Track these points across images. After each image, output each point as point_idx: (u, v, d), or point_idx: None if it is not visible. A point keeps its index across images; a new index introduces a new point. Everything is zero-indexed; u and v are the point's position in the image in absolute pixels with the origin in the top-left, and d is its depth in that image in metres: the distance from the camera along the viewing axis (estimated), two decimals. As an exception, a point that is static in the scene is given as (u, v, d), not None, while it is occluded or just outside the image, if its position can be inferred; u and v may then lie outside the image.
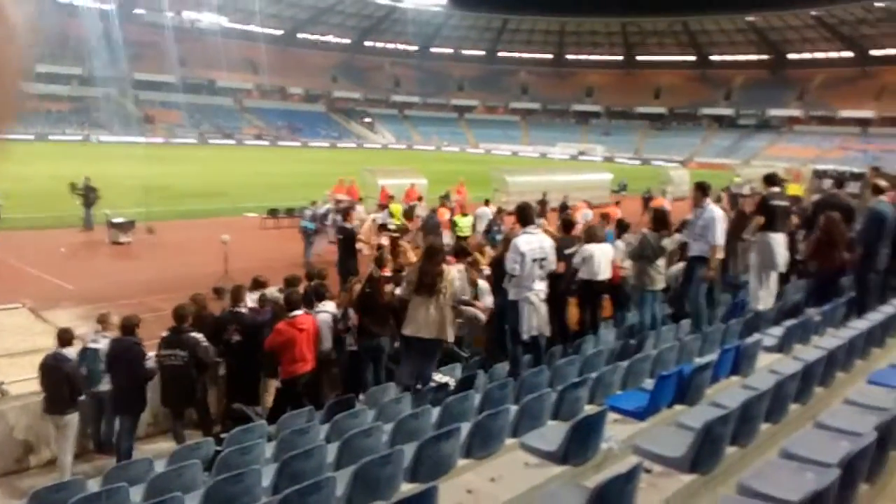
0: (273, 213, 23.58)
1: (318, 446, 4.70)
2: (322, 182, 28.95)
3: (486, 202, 20.64)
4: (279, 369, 7.44)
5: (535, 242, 6.75)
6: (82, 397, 7.18)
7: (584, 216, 18.69)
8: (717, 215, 7.69)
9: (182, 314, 7.35)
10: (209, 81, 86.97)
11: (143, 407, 7.27)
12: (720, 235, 7.59)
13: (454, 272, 7.09)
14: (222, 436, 6.06)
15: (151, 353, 7.30)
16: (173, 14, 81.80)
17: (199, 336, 7.29)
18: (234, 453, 4.98)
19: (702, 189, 8.07)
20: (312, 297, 8.25)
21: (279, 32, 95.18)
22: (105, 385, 7.42)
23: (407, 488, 4.03)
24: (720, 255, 7.78)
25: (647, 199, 27.48)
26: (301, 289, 8.72)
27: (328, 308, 8.17)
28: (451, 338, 6.87)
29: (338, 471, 4.35)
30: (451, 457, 4.29)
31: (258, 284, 9.42)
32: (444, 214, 19.47)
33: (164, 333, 7.43)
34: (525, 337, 6.74)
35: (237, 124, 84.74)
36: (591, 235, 8.88)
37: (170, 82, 79.86)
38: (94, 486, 4.85)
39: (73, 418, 7.00)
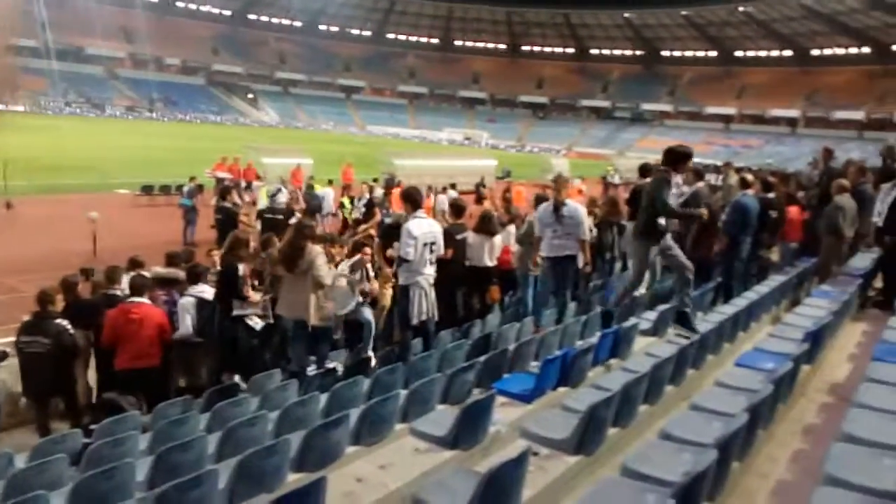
0: (147, 189, 22.35)
1: (198, 437, 4.47)
2: (201, 158, 27.69)
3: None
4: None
5: (426, 226, 6.75)
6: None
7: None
8: (583, 211, 7.63)
9: (46, 298, 6.78)
10: (77, 48, 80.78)
11: None
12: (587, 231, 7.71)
13: (317, 250, 6.96)
14: (92, 427, 5.66)
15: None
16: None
17: (64, 322, 6.75)
18: (104, 446, 4.65)
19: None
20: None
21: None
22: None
23: (293, 479, 3.91)
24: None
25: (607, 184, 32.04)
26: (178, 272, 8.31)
27: (197, 291, 7.61)
28: (312, 320, 6.79)
29: (219, 463, 4.16)
30: (339, 445, 4.21)
31: (135, 265, 8.85)
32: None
33: (25, 318, 6.85)
34: (415, 321, 6.74)
35: (108, 94, 79.52)
36: (483, 223, 8.99)
37: (33, 46, 73.57)
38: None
39: None
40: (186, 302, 7.42)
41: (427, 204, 18.71)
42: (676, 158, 6.41)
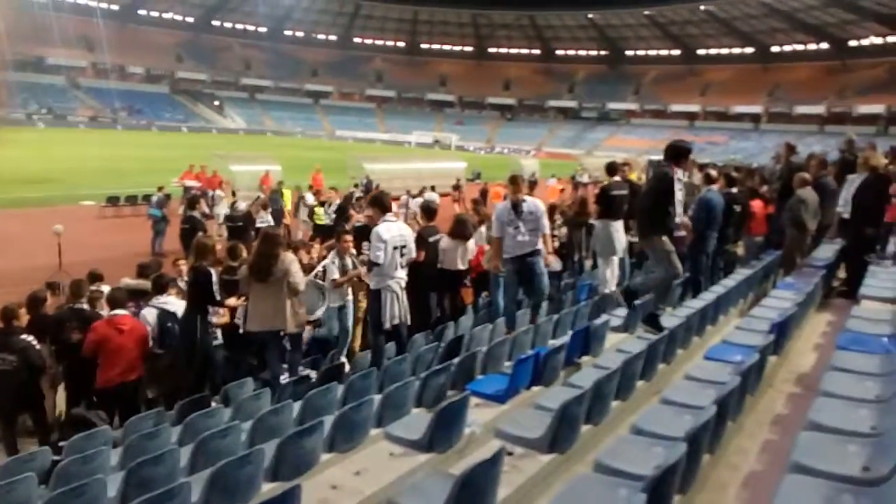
0: (113, 201, 22.00)
1: (170, 450, 4.40)
2: (167, 168, 27.34)
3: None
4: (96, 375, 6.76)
5: (395, 230, 6.75)
6: None
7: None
8: (542, 205, 7.58)
9: (9, 314, 6.65)
10: (37, 58, 79.23)
11: None
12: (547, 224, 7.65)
13: (291, 257, 6.92)
14: (61, 444, 5.56)
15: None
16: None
17: (29, 338, 6.63)
18: (74, 462, 4.57)
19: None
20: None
21: (115, 7, 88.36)
22: None
23: (268, 488, 3.88)
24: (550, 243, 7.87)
25: (576, 184, 32.36)
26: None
27: (160, 302, 7.46)
28: (289, 327, 6.74)
29: (192, 475, 4.11)
30: (313, 452, 4.18)
31: (95, 278, 8.70)
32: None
33: None
34: (387, 325, 6.73)
35: (70, 105, 78.03)
36: (458, 228, 8.99)
37: (-10, 57, 72.04)
38: None
39: None
40: (147, 313, 7.30)
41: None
42: (678, 154, 6.45)
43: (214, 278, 7.30)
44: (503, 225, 7.09)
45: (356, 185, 22.44)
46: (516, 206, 7.05)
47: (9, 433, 6.76)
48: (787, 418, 4.44)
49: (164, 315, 7.28)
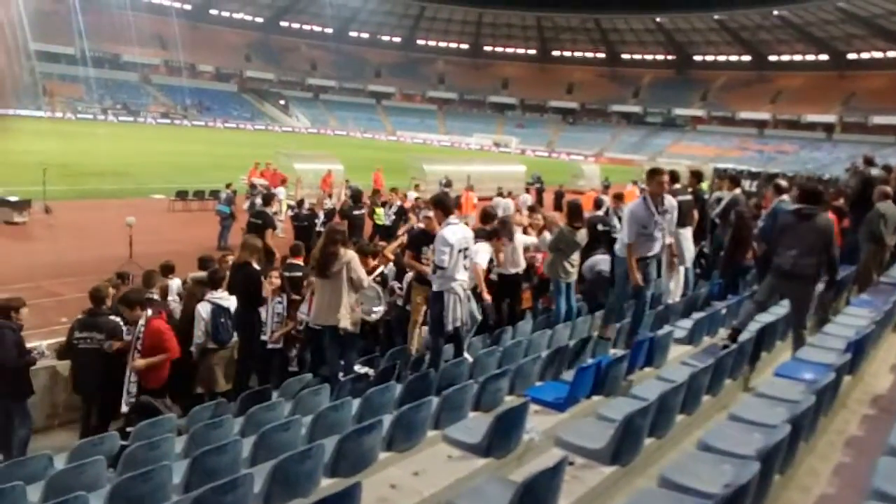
0: (182, 195, 22.68)
1: (233, 441, 4.50)
2: (234, 164, 28.08)
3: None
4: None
5: (460, 233, 6.74)
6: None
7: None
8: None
9: (100, 296, 6.97)
10: (113, 55, 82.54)
11: (26, 393, 6.70)
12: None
13: (351, 254, 6.99)
14: (129, 430, 5.75)
15: (42, 342, 6.83)
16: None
17: (117, 319, 6.92)
18: (141, 448, 4.71)
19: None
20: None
21: (188, 7, 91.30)
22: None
23: (327, 484, 3.92)
24: None
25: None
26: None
27: (215, 297, 7.53)
28: (343, 323, 6.81)
29: (254, 467, 4.19)
30: (372, 451, 4.21)
31: (167, 270, 9.00)
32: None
33: (80, 315, 7.05)
34: (449, 328, 6.72)
35: (143, 101, 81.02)
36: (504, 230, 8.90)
37: (70, 54, 75.36)
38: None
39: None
40: (202, 308, 7.39)
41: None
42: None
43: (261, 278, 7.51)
44: (640, 226, 6.44)
45: (416, 186, 22.54)
46: (658, 204, 6.48)
47: (88, 414, 7.04)
48: (861, 441, 4.26)
49: (218, 310, 7.42)
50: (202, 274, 8.53)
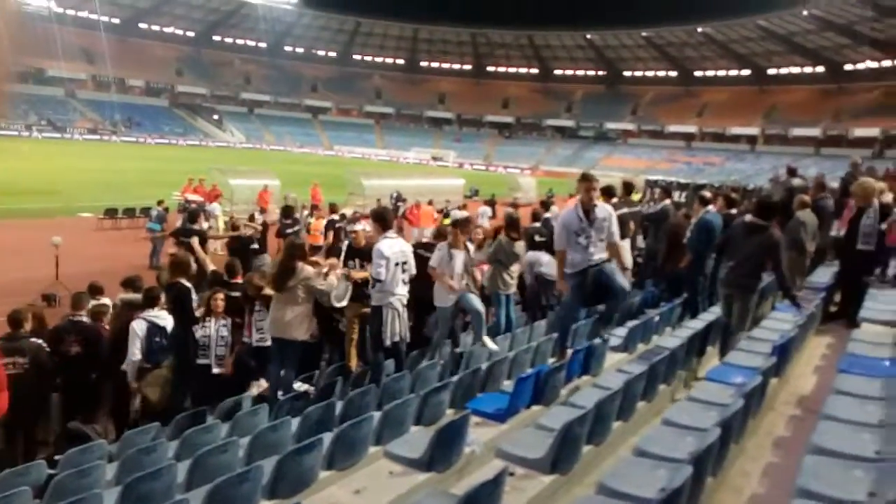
0: (111, 213, 21.96)
1: (167, 465, 4.36)
2: (166, 181, 27.40)
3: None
4: None
5: (397, 247, 6.73)
6: None
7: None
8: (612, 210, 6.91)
9: (17, 318, 6.65)
10: (37, 70, 79.49)
11: None
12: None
13: (309, 269, 6.94)
14: (56, 458, 5.50)
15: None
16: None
17: (39, 341, 6.63)
18: (70, 477, 4.52)
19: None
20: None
21: (117, 21, 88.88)
22: None
23: (266, 506, 3.85)
24: None
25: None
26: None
27: (151, 315, 7.32)
28: (301, 336, 6.77)
29: (189, 492, 4.08)
30: (312, 470, 4.15)
31: (95, 291, 8.67)
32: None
33: None
34: (387, 343, 6.69)
35: (69, 117, 78.28)
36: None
37: (-11, 68, 72.29)
38: None
39: None
40: (137, 326, 7.16)
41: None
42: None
43: (193, 295, 7.30)
44: (570, 235, 6.09)
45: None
46: (588, 212, 6.07)
47: (12, 443, 6.70)
48: (788, 441, 4.42)
49: (154, 329, 7.21)
50: (132, 296, 8.26)
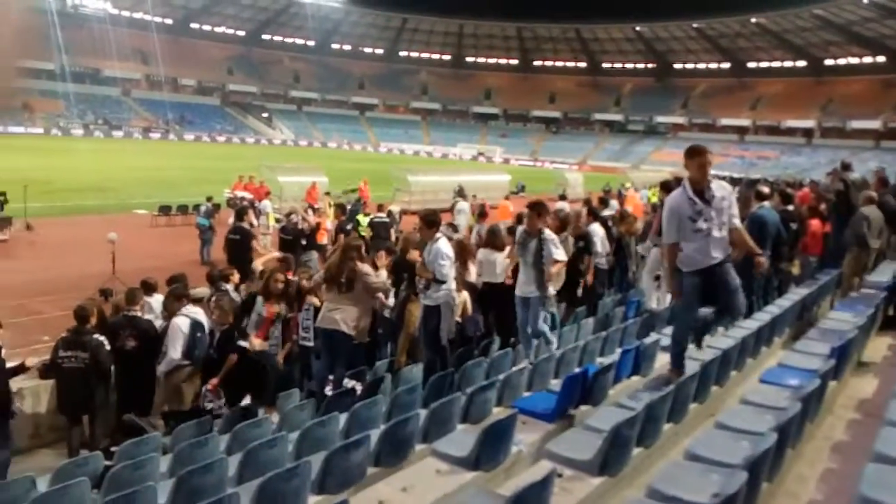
0: (165, 210, 22.51)
1: (219, 460, 4.44)
2: (217, 178, 27.96)
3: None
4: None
5: (451, 246, 6.74)
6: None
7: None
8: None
9: (84, 314, 6.88)
10: (94, 70, 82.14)
11: (6, 414, 6.51)
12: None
13: (366, 268, 7.00)
14: (112, 449, 5.66)
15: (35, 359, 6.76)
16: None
17: (102, 338, 6.85)
18: (126, 469, 4.63)
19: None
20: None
21: (170, 22, 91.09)
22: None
23: (315, 501, 3.88)
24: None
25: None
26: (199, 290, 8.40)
27: (192, 312, 7.53)
28: (350, 331, 6.78)
29: (240, 485, 4.13)
30: (360, 466, 4.17)
31: (148, 287, 8.88)
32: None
33: (64, 334, 6.96)
34: (444, 341, 6.69)
35: (125, 116, 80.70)
36: (492, 240, 8.87)
37: (50, 69, 75.01)
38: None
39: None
40: (182, 322, 7.28)
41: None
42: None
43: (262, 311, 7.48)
44: (684, 221, 4.99)
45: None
46: (701, 192, 4.96)
47: (75, 434, 6.94)
48: (848, 446, 4.28)
49: (196, 325, 7.34)
50: (198, 290, 8.48)
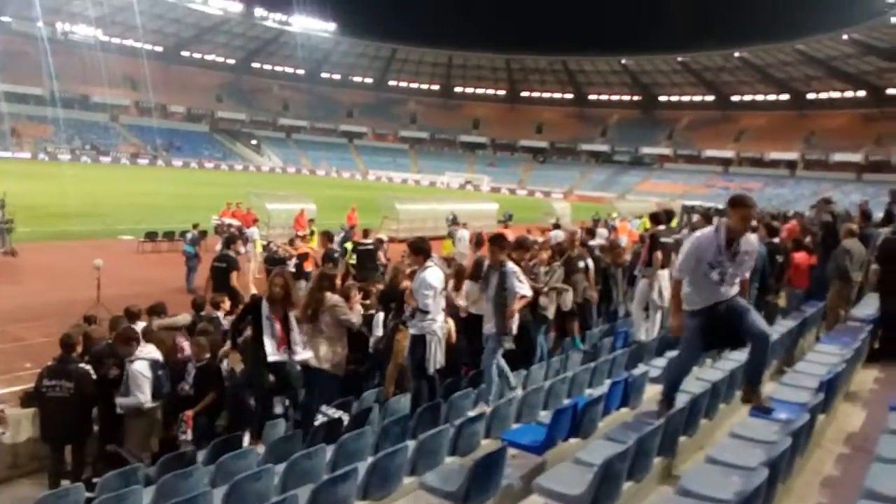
0: (151, 236, 22.39)
1: (203, 492, 4.37)
2: (205, 205, 27.87)
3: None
4: None
5: (440, 276, 6.72)
6: None
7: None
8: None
9: (70, 342, 6.78)
10: (82, 96, 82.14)
11: None
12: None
13: (336, 298, 6.97)
14: (94, 480, 5.55)
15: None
16: (45, 24, 76.58)
17: (87, 368, 6.74)
18: (108, 501, 4.54)
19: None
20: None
21: (160, 49, 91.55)
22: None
23: (301, 535, 3.81)
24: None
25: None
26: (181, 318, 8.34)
27: (146, 353, 7.08)
28: (325, 365, 6.74)
29: (225, 520, 4.07)
30: (347, 500, 4.11)
31: (131, 315, 8.72)
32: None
33: (49, 363, 6.88)
34: (431, 371, 6.64)
35: (113, 141, 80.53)
36: (476, 270, 8.85)
37: (39, 94, 75.00)
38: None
39: None
40: (142, 367, 6.82)
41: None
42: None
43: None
44: (702, 265, 4.87)
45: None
46: (731, 242, 4.82)
47: (57, 464, 6.81)
48: (838, 481, 4.27)
49: (155, 364, 7.04)
50: (169, 320, 8.36)
